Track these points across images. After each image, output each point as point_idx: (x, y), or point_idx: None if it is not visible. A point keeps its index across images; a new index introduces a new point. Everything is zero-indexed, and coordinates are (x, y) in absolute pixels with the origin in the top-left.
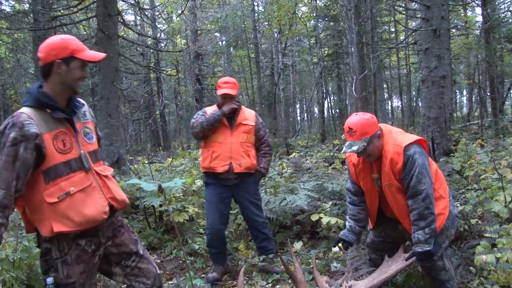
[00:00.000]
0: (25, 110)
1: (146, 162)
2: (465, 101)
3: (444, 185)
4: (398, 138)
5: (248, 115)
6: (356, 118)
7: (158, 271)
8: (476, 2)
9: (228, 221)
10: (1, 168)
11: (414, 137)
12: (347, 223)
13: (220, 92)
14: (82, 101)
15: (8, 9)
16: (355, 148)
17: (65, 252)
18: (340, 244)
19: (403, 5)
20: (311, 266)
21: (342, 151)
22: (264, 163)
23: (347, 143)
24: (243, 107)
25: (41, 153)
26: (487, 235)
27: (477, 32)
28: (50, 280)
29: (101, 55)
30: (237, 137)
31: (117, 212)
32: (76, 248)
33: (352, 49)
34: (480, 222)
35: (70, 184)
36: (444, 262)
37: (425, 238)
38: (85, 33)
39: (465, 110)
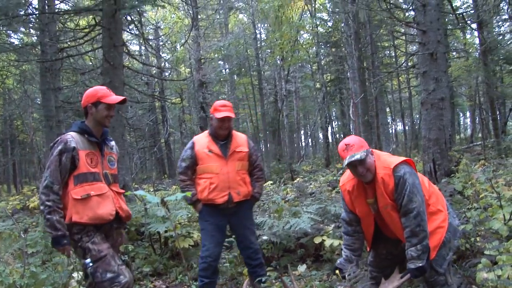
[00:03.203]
0: (71, 133)
1: (151, 190)
2: (468, 123)
3: (441, 199)
4: (386, 161)
5: (240, 141)
6: (350, 137)
7: None
8: (472, 26)
9: (222, 250)
10: (52, 170)
11: (401, 158)
12: (343, 252)
13: (219, 115)
14: (112, 140)
15: (16, 42)
16: (357, 156)
17: (92, 236)
18: (337, 271)
19: (402, 30)
20: None
21: (344, 163)
22: (258, 187)
23: (347, 157)
24: (234, 131)
25: (74, 163)
26: (487, 252)
27: (476, 54)
28: (88, 261)
29: (119, 98)
30: (233, 165)
31: (122, 222)
32: (99, 235)
33: (354, 74)
34: (480, 240)
35: (91, 189)
36: (446, 277)
37: (417, 255)
38: (91, 63)
39: (469, 131)
